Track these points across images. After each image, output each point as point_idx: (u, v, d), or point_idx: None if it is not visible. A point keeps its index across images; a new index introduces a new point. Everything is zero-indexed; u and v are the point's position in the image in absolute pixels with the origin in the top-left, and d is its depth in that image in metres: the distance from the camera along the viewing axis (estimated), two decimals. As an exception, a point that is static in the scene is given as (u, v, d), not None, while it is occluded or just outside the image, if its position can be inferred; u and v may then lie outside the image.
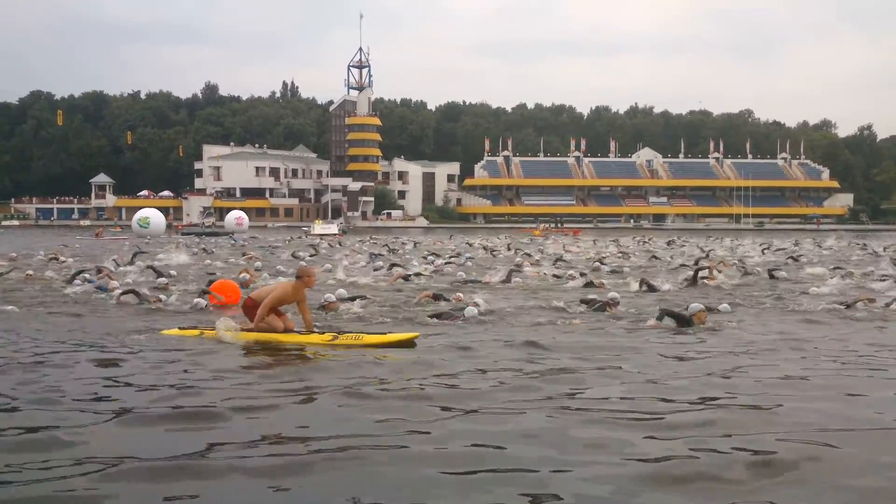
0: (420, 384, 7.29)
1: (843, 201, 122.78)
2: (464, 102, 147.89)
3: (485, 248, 36.37)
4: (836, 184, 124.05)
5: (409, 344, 9.38)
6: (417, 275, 20.04)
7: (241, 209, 77.86)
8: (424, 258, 28.00)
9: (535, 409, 6.33)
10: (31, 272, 20.19)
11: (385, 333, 9.82)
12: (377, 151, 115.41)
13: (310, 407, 6.56)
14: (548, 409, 6.34)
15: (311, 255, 30.16)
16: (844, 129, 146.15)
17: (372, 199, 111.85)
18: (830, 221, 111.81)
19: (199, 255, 30.86)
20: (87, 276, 17.80)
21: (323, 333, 9.73)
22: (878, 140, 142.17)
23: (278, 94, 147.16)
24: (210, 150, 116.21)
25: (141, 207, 68.14)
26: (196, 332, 10.06)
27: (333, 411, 6.35)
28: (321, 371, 8.14)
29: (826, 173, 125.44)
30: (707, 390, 7.09)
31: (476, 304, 12.54)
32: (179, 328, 10.34)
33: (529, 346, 9.42)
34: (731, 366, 8.20)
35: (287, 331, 9.84)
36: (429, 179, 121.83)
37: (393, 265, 22.90)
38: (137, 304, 13.67)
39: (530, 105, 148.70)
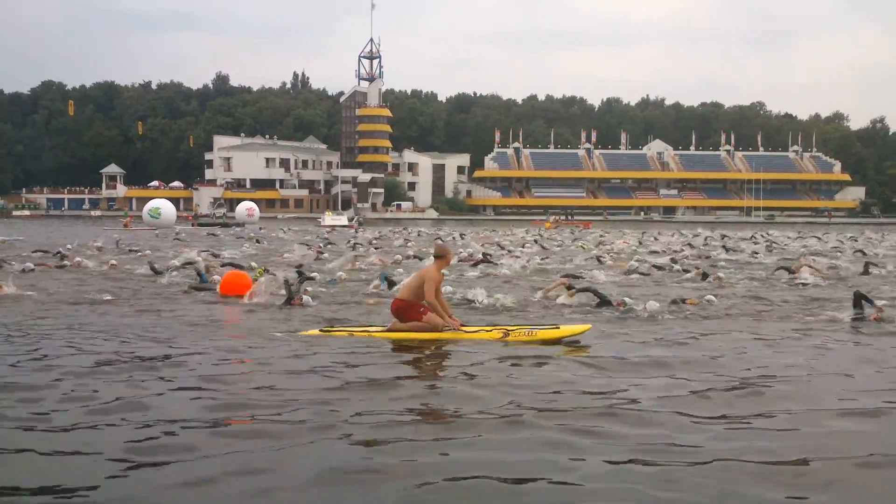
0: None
1: (854, 194, 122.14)
2: (474, 94, 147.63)
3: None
4: (847, 177, 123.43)
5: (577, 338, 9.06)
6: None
7: (252, 200, 78.03)
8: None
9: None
10: (114, 261, 19.53)
11: (556, 327, 9.32)
12: (387, 143, 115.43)
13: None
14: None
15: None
16: (857, 122, 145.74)
17: (382, 190, 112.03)
18: (842, 215, 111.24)
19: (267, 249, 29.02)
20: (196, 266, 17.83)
21: (490, 330, 9.19)
22: (890, 133, 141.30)
23: (289, 85, 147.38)
24: (220, 141, 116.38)
25: (151, 198, 68.27)
26: (344, 332, 9.37)
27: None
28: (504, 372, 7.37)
29: (838, 166, 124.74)
30: None
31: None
32: (321, 329, 9.54)
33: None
34: None
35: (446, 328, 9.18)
36: (439, 171, 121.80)
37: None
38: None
39: (541, 97, 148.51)
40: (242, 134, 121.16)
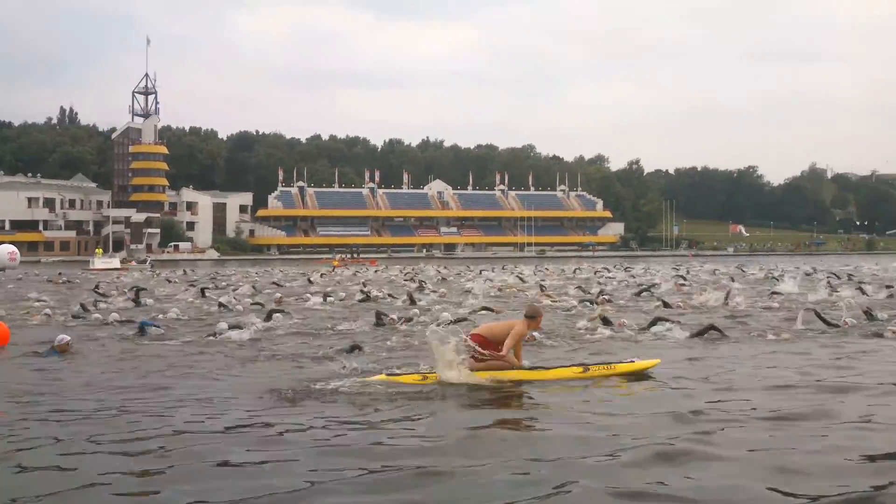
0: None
1: (615, 230, 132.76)
2: (256, 132, 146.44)
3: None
4: (609, 214, 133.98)
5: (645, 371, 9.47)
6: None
7: (12, 243, 72.45)
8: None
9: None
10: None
11: (631, 361, 9.62)
12: (164, 181, 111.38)
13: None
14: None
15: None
16: (616, 163, 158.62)
17: (158, 231, 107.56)
18: (604, 249, 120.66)
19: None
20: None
21: (569, 367, 9.41)
22: (645, 173, 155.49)
23: (55, 121, 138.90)
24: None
25: None
26: (416, 376, 8.96)
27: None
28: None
29: (600, 204, 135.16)
30: None
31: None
32: (387, 374, 9.16)
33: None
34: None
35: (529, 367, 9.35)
36: (220, 210, 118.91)
37: None
38: None
39: (325, 136, 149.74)
40: (2, 172, 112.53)
